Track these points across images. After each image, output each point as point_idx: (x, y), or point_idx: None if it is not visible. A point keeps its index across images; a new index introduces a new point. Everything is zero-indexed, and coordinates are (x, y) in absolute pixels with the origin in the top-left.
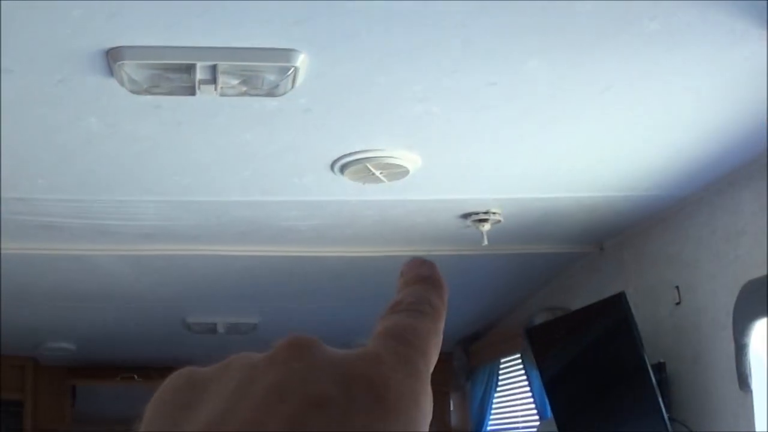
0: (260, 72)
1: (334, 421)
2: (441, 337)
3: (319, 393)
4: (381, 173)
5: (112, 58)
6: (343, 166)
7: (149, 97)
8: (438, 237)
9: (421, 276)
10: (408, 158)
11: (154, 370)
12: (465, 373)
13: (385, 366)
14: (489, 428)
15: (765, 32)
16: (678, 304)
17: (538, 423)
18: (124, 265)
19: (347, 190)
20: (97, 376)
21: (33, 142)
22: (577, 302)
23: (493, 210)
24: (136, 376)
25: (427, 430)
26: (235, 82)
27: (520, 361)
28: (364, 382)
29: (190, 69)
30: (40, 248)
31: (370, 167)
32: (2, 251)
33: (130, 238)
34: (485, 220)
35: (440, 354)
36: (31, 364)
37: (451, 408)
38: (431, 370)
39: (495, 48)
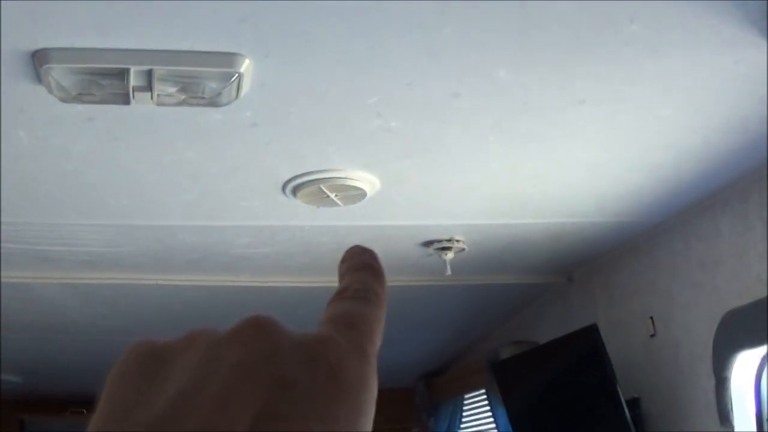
0: (200, 78)
1: (298, 401)
2: (383, 323)
3: (283, 374)
4: (336, 196)
5: (38, 61)
6: (295, 187)
7: (81, 108)
8: (398, 266)
9: (364, 263)
10: (365, 179)
11: None
12: (427, 409)
13: (341, 351)
14: None
15: (761, 38)
16: (652, 336)
17: None
18: (66, 295)
19: (300, 215)
20: (45, 411)
21: None
22: (545, 335)
23: (457, 237)
24: (85, 411)
25: (373, 413)
26: (173, 89)
27: (485, 396)
28: (325, 365)
29: (123, 74)
30: None
31: (325, 189)
32: None
33: (71, 265)
34: (448, 248)
35: (401, 390)
36: None
37: None
38: (376, 355)
39: (459, 55)
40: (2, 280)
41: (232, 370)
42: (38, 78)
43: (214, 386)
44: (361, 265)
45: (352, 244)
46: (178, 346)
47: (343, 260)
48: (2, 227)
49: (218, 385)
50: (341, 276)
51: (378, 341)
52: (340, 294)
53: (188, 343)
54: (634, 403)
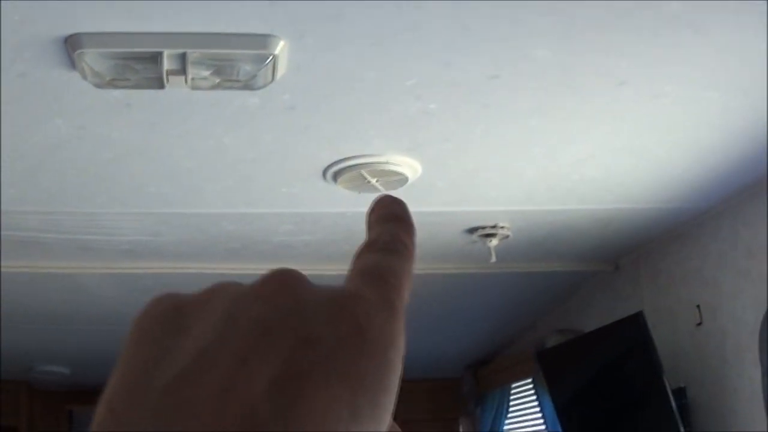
0: (235, 61)
1: (322, 358)
2: (413, 277)
3: (307, 331)
4: (377, 181)
5: (71, 46)
6: (335, 173)
7: (118, 94)
8: (442, 253)
9: (394, 214)
10: (406, 164)
11: None
12: (474, 399)
13: (370, 306)
14: None
15: None
16: (699, 324)
17: None
18: (108, 285)
19: (342, 201)
20: (93, 401)
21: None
22: (590, 324)
23: (501, 224)
24: None
25: (400, 371)
26: (207, 72)
27: (531, 386)
28: (351, 321)
29: (157, 58)
30: (18, 266)
31: (366, 174)
32: None
33: (112, 255)
34: (493, 235)
35: (448, 380)
36: (24, 388)
37: None
38: (404, 310)
39: (497, 35)
40: (44, 270)
41: (253, 327)
42: (72, 64)
43: (234, 343)
44: (391, 215)
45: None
46: (200, 300)
47: (372, 210)
48: (42, 218)
49: (238, 342)
50: (369, 226)
51: (407, 296)
52: (369, 246)
53: (211, 297)
54: (680, 393)
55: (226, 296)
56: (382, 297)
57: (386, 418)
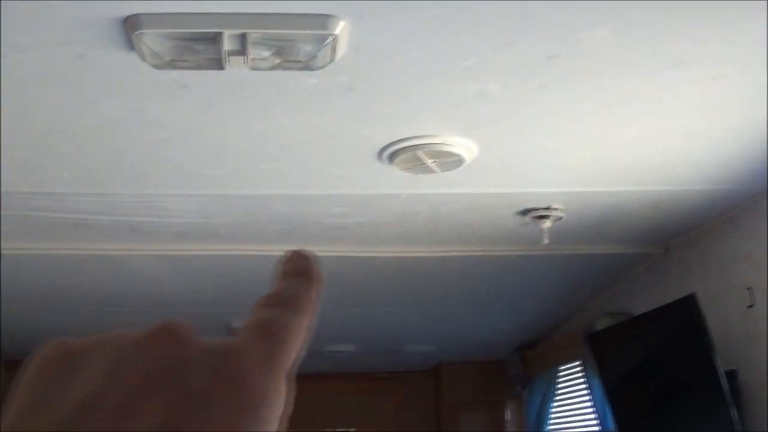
0: (295, 41)
1: (200, 414)
2: (310, 332)
3: (188, 385)
4: (433, 162)
5: (129, 27)
6: (391, 154)
7: (175, 76)
8: (494, 235)
9: (300, 270)
10: (462, 145)
11: None
12: (521, 382)
13: (251, 363)
14: None
15: None
16: (750, 307)
17: None
18: (159, 267)
19: (396, 183)
20: None
21: (52, 128)
22: (640, 306)
23: (555, 205)
24: None
25: (276, 426)
26: (267, 53)
27: (580, 368)
28: (229, 378)
29: (216, 39)
30: (69, 248)
31: (422, 155)
32: (30, 252)
33: (164, 237)
34: (546, 217)
35: (494, 362)
36: None
37: (507, 418)
38: (294, 363)
39: (556, 15)
40: (95, 253)
41: (138, 378)
42: (130, 45)
43: (119, 393)
44: (296, 270)
45: (449, 213)
46: (90, 347)
47: (281, 262)
48: (95, 200)
49: (123, 393)
50: (276, 278)
51: (295, 352)
52: (269, 299)
53: (101, 345)
54: (731, 375)
55: (115, 345)
56: (266, 353)
57: None
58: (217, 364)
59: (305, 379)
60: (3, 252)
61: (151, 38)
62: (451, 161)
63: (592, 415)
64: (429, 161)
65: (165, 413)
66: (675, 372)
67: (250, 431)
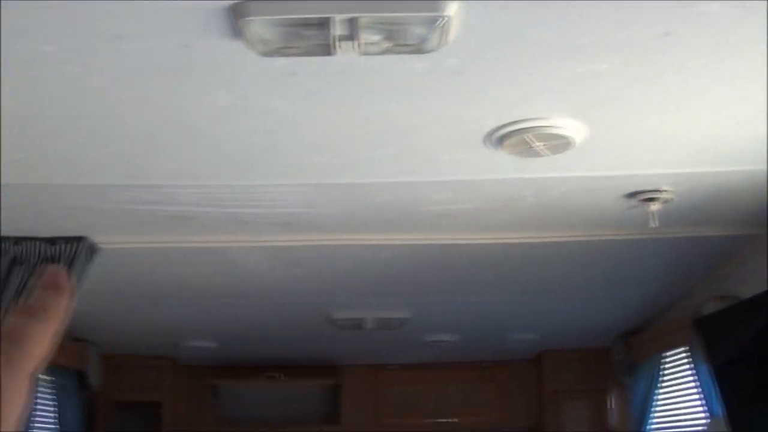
0: (406, 24)
1: None
2: (56, 338)
3: None
4: (542, 145)
5: (236, 15)
6: (499, 138)
7: (282, 64)
8: (601, 219)
9: (51, 282)
10: (573, 127)
11: (300, 368)
12: (625, 369)
13: None
14: (651, 427)
15: None
16: None
17: (707, 422)
18: (262, 258)
19: (503, 167)
20: (239, 376)
21: (156, 120)
22: (749, 289)
23: (663, 187)
24: (281, 375)
25: (14, 425)
26: (377, 37)
27: (687, 354)
28: None
29: (326, 24)
30: (171, 241)
31: (530, 139)
32: (134, 245)
33: (267, 228)
34: (654, 199)
35: (597, 349)
36: (170, 363)
37: (611, 406)
38: (38, 369)
39: None
40: (197, 245)
41: None
42: (237, 33)
43: None
44: (49, 283)
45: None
46: None
47: (37, 275)
48: (198, 192)
49: None
50: (31, 292)
51: (37, 357)
52: (19, 307)
53: None
54: None
55: None
56: (6, 356)
57: None
58: None
59: (408, 369)
60: (103, 246)
61: (258, 25)
62: (559, 144)
63: (699, 402)
64: (538, 144)
65: None
66: None
67: None
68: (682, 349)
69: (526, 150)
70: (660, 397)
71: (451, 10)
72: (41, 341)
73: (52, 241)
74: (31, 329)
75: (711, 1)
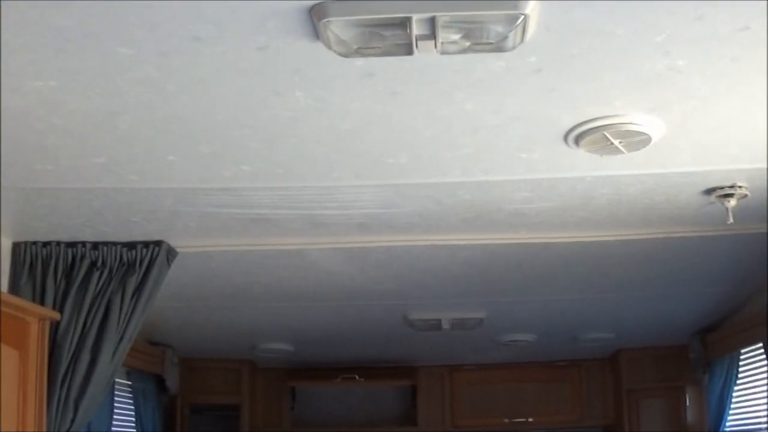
0: (484, 22)
1: None
2: None
3: None
4: (620, 143)
5: (316, 15)
6: (577, 136)
7: (360, 64)
8: (678, 217)
9: None
10: (651, 124)
11: (376, 369)
12: (702, 366)
13: None
14: (728, 425)
15: None
16: None
17: None
18: (338, 259)
19: (581, 165)
20: (316, 377)
21: (234, 121)
22: None
23: (740, 183)
24: (357, 377)
25: None
26: (456, 36)
27: (762, 351)
28: None
29: (405, 24)
30: (249, 244)
31: (608, 136)
32: (211, 249)
33: (344, 229)
34: (731, 195)
35: (674, 347)
36: (247, 366)
37: (687, 403)
38: None
39: None
40: (274, 247)
41: None
42: (316, 34)
43: None
44: None
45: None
46: None
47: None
48: (276, 194)
49: None
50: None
51: None
52: None
53: None
54: None
55: None
56: None
57: None
58: None
59: (484, 369)
60: (181, 250)
61: (338, 26)
62: (638, 141)
63: None
64: (616, 141)
65: None
66: None
67: None
68: (758, 345)
69: (604, 147)
70: (737, 394)
71: (529, 8)
72: None
73: (130, 245)
74: None
75: None
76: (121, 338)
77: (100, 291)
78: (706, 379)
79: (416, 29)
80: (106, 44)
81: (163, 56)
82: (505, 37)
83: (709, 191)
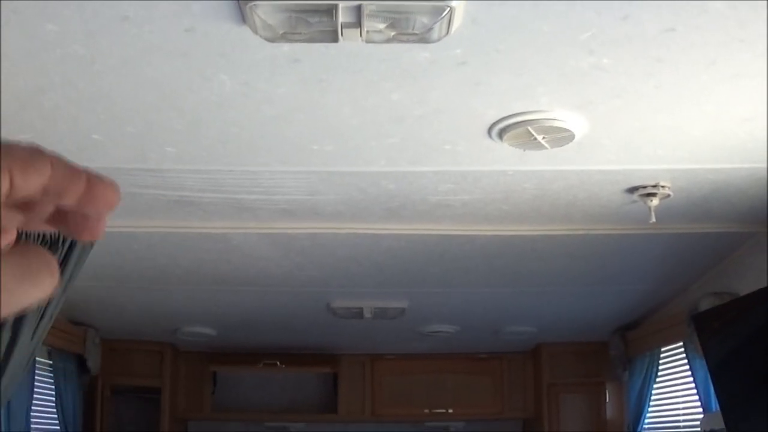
0: (411, 13)
1: None
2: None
3: None
4: (544, 138)
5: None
6: (501, 130)
7: (287, 50)
8: (600, 214)
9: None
10: (574, 121)
11: (298, 356)
12: (622, 363)
13: None
14: (647, 422)
15: None
16: None
17: (701, 417)
18: (262, 245)
19: (505, 159)
20: (238, 362)
21: (160, 103)
22: (745, 286)
23: (663, 183)
24: (279, 363)
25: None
26: (382, 25)
27: (683, 349)
28: None
29: (331, 11)
30: (173, 226)
31: (532, 131)
32: (135, 229)
33: (269, 215)
34: (653, 195)
35: (595, 343)
36: (169, 349)
37: (607, 399)
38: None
39: None
40: (198, 230)
41: None
42: (242, 18)
43: None
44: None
45: (555, 191)
46: None
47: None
48: (200, 177)
49: None
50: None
51: (23, 187)
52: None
53: None
54: None
55: None
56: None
57: None
58: None
59: (405, 359)
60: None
61: (264, 10)
62: (561, 137)
63: (695, 397)
64: (539, 137)
65: None
66: None
67: None
68: (678, 344)
69: (527, 142)
70: (656, 391)
71: (455, 1)
72: (37, 176)
73: None
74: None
75: (714, 0)
76: (42, 316)
77: None
78: (626, 376)
79: (342, 17)
80: (33, 20)
81: (90, 35)
82: (431, 29)
83: (632, 190)
